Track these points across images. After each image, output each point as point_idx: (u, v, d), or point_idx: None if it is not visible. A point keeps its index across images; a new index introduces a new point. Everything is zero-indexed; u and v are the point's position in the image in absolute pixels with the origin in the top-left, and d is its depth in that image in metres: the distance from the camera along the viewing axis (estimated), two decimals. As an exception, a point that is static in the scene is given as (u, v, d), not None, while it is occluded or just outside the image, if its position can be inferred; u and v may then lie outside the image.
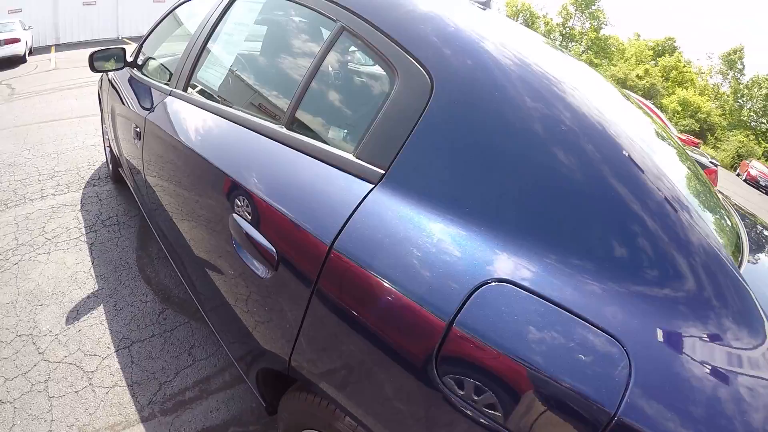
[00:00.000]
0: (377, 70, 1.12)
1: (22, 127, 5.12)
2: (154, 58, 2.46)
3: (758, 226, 1.56)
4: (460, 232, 0.83)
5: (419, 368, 0.80)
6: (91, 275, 2.52)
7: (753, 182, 23.76)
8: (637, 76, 39.71)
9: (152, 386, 1.88)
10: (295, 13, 1.50)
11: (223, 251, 1.34)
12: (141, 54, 2.55)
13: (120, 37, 17.33)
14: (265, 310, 1.20)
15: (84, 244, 2.81)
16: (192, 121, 1.61)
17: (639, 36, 46.23)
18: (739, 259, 1.03)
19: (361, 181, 0.99)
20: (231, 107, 1.50)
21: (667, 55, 42.56)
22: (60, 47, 14.65)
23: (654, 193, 0.81)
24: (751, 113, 37.65)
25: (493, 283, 0.76)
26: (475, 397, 0.74)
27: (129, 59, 2.49)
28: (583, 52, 45.40)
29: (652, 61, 42.57)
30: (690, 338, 0.70)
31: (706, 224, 0.86)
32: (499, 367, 0.72)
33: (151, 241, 2.92)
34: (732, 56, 40.12)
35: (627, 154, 0.85)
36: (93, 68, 2.44)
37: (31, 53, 12.45)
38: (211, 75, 1.75)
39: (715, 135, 37.51)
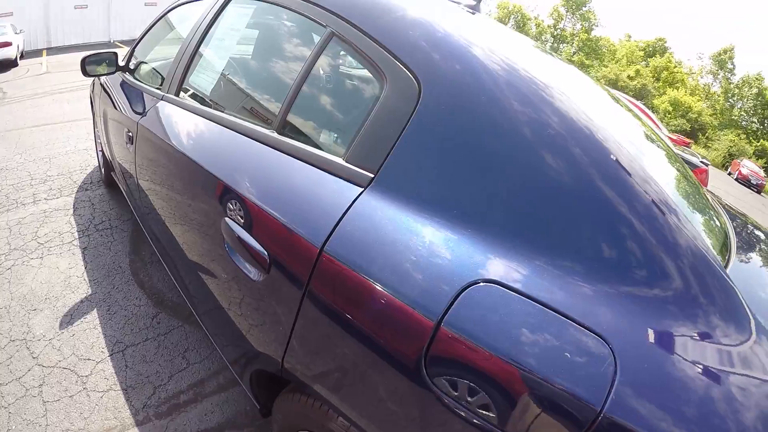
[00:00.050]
0: (366, 75, 1.14)
1: (14, 131, 5.09)
2: (146, 63, 2.46)
3: (749, 226, 1.58)
4: (449, 234, 0.85)
5: (409, 368, 0.82)
6: (85, 279, 2.52)
7: (744, 181, 23.97)
8: (628, 77, 39.95)
9: (147, 390, 1.89)
10: (286, 19, 1.52)
11: (216, 255, 1.35)
12: (133, 58, 2.55)
13: (112, 41, 17.26)
14: (257, 312, 1.22)
15: (77, 248, 2.81)
16: (184, 126, 1.62)
17: (630, 37, 46.56)
18: (727, 258, 1.05)
19: (351, 185, 1.00)
20: (223, 112, 1.51)
21: (657, 55, 42.86)
22: (52, 51, 14.57)
23: (640, 196, 0.83)
24: (742, 112, 38.01)
25: (481, 284, 0.78)
26: (464, 396, 0.75)
27: (121, 63, 2.50)
28: (574, 53, 45.66)
29: (643, 62, 42.86)
30: (676, 336, 0.72)
31: (692, 225, 0.87)
32: (486, 366, 0.73)
33: (144, 245, 2.92)
34: (722, 56, 40.49)
35: (614, 158, 0.86)
36: (85, 73, 2.44)
37: (22, 57, 12.38)
38: (203, 80, 1.76)
39: (707, 134, 37.79)
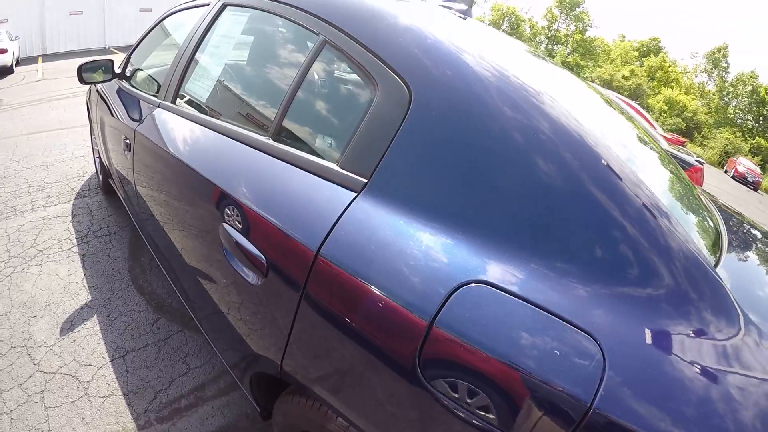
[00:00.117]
0: (359, 82, 1.16)
1: (10, 138, 5.09)
2: (142, 70, 2.48)
3: (745, 225, 1.59)
4: (441, 236, 0.87)
5: (404, 367, 0.84)
6: (84, 286, 2.53)
7: (741, 179, 24.07)
8: (623, 77, 40.03)
9: (148, 395, 1.90)
10: (280, 27, 1.54)
11: (214, 260, 1.37)
12: (129, 65, 2.57)
13: (107, 47, 17.23)
14: (256, 316, 1.24)
15: (76, 255, 2.82)
16: (182, 133, 1.64)
17: (624, 37, 46.71)
18: (718, 256, 1.07)
19: (345, 190, 1.03)
20: (219, 119, 1.53)
21: (652, 55, 42.98)
22: (47, 57, 14.53)
23: (630, 198, 0.84)
24: (737, 110, 38.13)
25: (473, 285, 0.80)
26: (458, 394, 0.77)
27: (117, 71, 2.52)
28: (569, 54, 45.72)
29: (638, 62, 42.97)
30: (664, 333, 0.74)
31: (682, 225, 0.89)
32: (479, 364, 0.75)
33: (142, 251, 2.93)
34: (716, 55, 40.63)
35: (605, 163, 0.88)
36: (81, 80, 2.46)
37: (18, 64, 12.34)
38: (199, 87, 1.78)
39: (702, 133, 37.89)
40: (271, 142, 1.27)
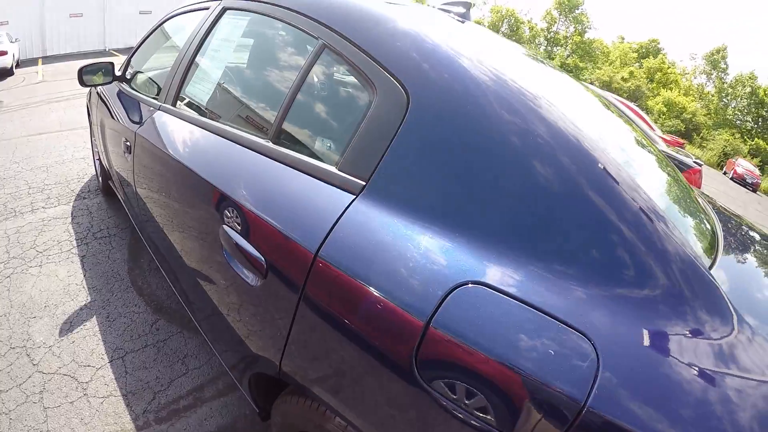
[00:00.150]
0: (357, 85, 1.17)
1: (10, 140, 5.11)
2: (142, 72, 2.49)
3: (742, 226, 1.59)
4: (438, 238, 0.89)
5: (401, 367, 0.85)
6: (84, 287, 2.54)
7: (740, 180, 24.08)
8: (622, 79, 40.07)
9: (147, 395, 1.91)
10: (280, 31, 1.55)
11: (214, 261, 1.38)
12: (129, 68, 2.58)
13: (107, 49, 17.27)
14: (255, 316, 1.25)
15: (76, 256, 2.83)
16: (182, 136, 1.65)
17: (623, 39, 46.71)
18: (713, 258, 1.08)
19: (343, 192, 1.04)
20: (220, 122, 1.54)
21: (651, 57, 43.00)
22: (47, 59, 14.57)
23: (627, 202, 0.85)
24: (736, 112, 38.14)
25: (469, 285, 0.81)
26: (454, 393, 0.78)
27: (118, 73, 2.53)
28: (568, 56, 45.75)
29: (637, 64, 42.97)
30: (657, 333, 0.75)
31: (676, 227, 0.90)
32: (474, 363, 0.76)
33: (142, 252, 2.94)
34: (715, 56, 40.66)
35: (602, 166, 0.89)
36: (82, 82, 2.47)
37: (18, 66, 12.38)
38: (200, 90, 1.79)
39: (701, 134, 37.91)
40: (270, 144, 1.28)
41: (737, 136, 36.06)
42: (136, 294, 2.55)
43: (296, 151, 1.22)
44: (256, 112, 1.54)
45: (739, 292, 0.94)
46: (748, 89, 37.23)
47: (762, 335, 0.81)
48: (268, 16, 1.50)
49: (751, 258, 1.35)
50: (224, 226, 1.26)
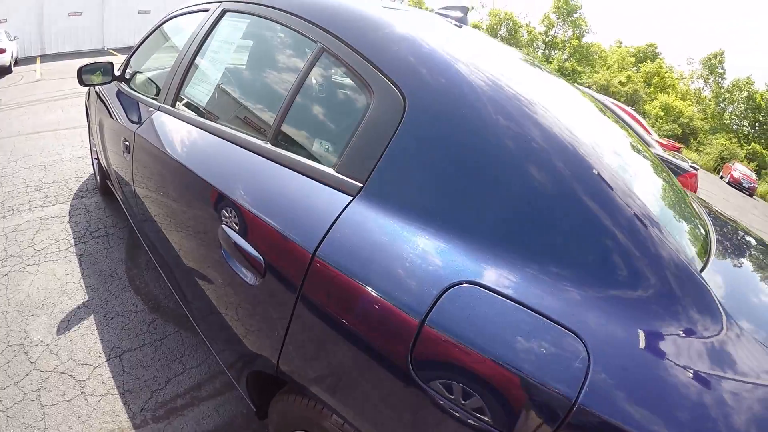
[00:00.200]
0: (355, 88, 1.19)
1: (8, 138, 5.10)
2: (141, 72, 2.50)
3: (736, 231, 1.61)
4: (434, 239, 0.90)
5: (396, 365, 0.87)
6: (81, 286, 2.55)
7: (736, 184, 24.16)
8: (620, 83, 40.15)
9: (144, 394, 1.92)
10: (279, 34, 1.57)
11: (212, 261, 1.39)
12: (129, 68, 2.59)
13: (105, 48, 17.24)
14: (253, 316, 1.26)
15: (73, 255, 2.84)
16: (181, 136, 1.66)
17: (621, 43, 46.82)
18: (705, 261, 1.10)
19: (341, 194, 1.06)
20: (219, 123, 1.56)
21: (648, 61, 43.10)
22: (46, 58, 14.52)
23: (620, 206, 0.87)
24: (733, 116, 38.28)
25: (463, 285, 0.83)
26: (448, 390, 0.80)
27: (117, 73, 2.54)
28: (566, 60, 45.84)
29: (634, 68, 43.04)
30: (648, 333, 0.76)
31: (669, 230, 0.92)
32: (468, 361, 0.78)
33: (139, 252, 2.95)
34: (712, 61, 40.81)
35: (596, 171, 0.91)
36: (81, 82, 2.49)
37: (16, 64, 12.33)
38: (199, 91, 1.81)
39: (698, 139, 38.00)
40: (269, 146, 1.29)
41: (734, 140, 36.17)
42: (133, 293, 2.56)
43: (294, 153, 1.23)
44: (255, 113, 1.55)
45: (729, 294, 0.96)
46: (745, 94, 37.37)
47: (749, 334, 0.83)
48: (268, 18, 1.52)
49: (742, 261, 1.37)
50: (223, 226, 1.28)
